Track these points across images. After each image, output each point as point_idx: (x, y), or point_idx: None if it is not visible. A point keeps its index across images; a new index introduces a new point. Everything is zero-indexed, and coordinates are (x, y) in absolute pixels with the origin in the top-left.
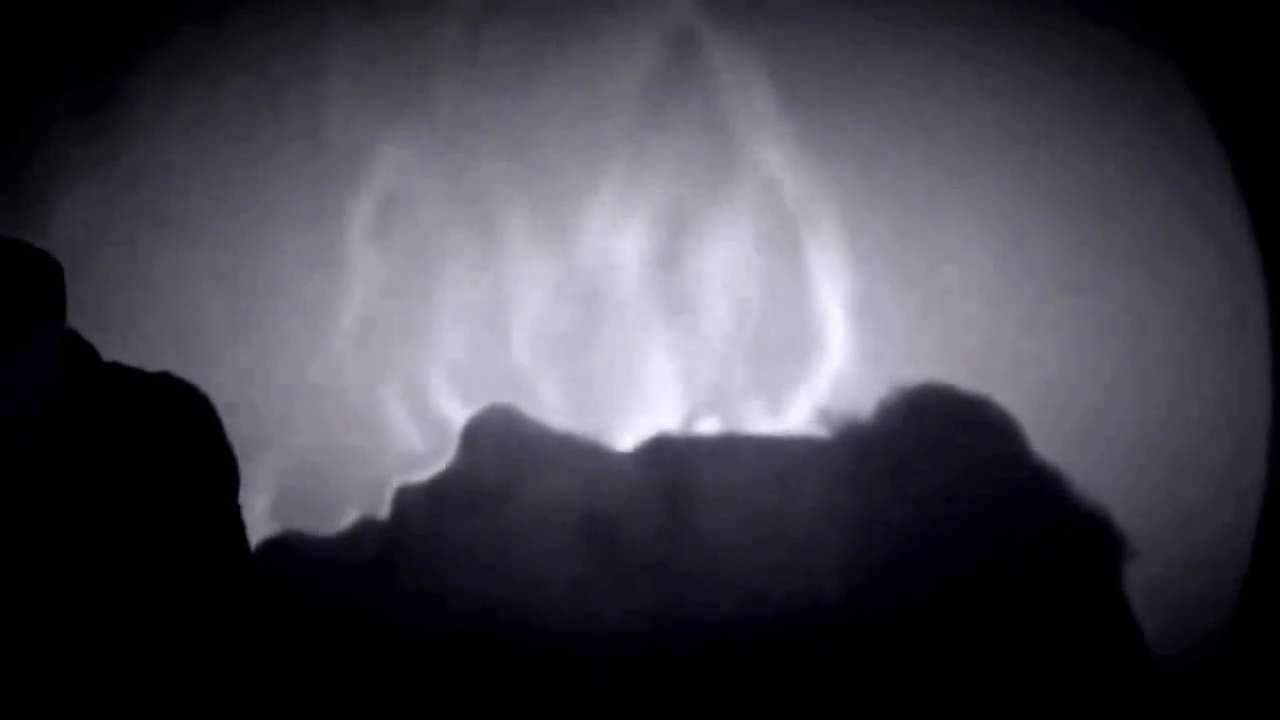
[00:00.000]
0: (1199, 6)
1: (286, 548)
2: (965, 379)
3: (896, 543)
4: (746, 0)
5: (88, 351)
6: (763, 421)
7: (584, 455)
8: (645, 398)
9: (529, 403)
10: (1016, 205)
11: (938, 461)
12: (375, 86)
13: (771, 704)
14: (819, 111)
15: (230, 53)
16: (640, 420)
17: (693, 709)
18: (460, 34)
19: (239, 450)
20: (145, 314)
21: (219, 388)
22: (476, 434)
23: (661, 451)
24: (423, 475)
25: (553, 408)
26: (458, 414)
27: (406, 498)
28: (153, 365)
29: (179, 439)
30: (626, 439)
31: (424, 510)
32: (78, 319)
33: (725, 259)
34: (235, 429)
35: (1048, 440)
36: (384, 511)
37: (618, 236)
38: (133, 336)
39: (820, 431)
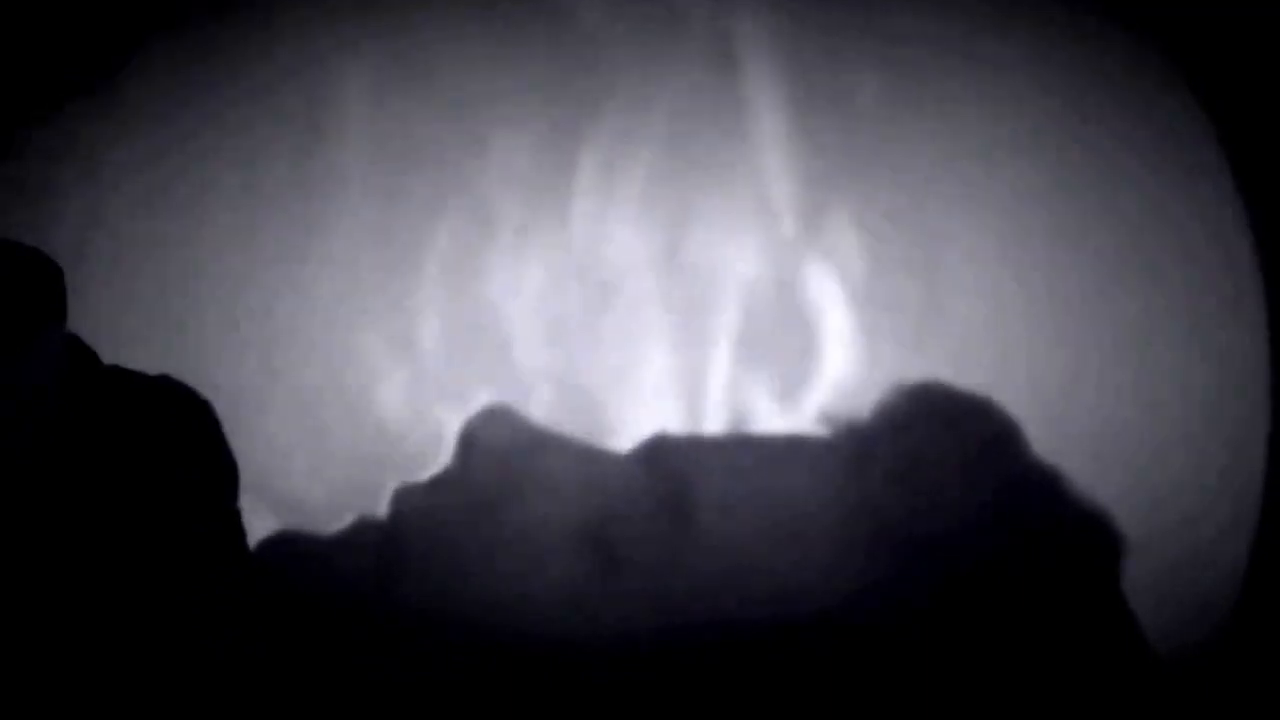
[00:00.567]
0: (1199, 5)
1: (286, 550)
2: (966, 380)
3: (897, 543)
4: None
5: (87, 354)
6: (763, 422)
7: (583, 457)
8: (644, 399)
9: (527, 405)
10: (1017, 204)
11: (938, 461)
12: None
13: (772, 706)
14: (823, 109)
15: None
16: (639, 422)
17: (693, 711)
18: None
19: (237, 451)
20: (145, 312)
21: (219, 386)
22: (475, 436)
23: (661, 453)
24: (422, 477)
25: (551, 410)
26: (456, 416)
27: (406, 501)
28: (153, 367)
29: (179, 442)
30: (625, 441)
31: (423, 513)
32: (76, 319)
33: (727, 259)
34: (235, 428)
35: (1048, 440)
36: (383, 515)
37: (619, 235)
38: (130, 335)
39: (820, 432)
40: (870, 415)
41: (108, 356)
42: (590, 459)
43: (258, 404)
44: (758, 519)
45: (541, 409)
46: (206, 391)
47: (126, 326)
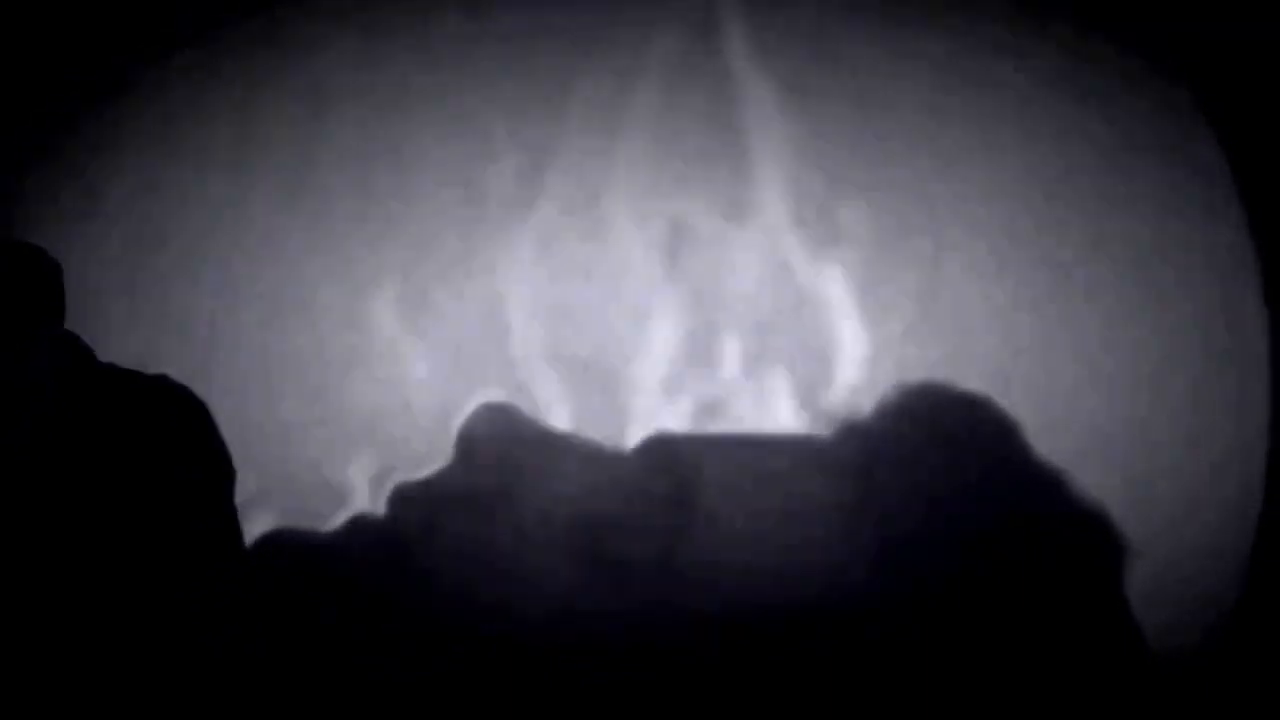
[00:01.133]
0: (1200, 11)
1: (284, 547)
2: (967, 380)
3: (898, 542)
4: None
5: (85, 351)
6: (763, 421)
7: (583, 453)
8: (645, 395)
9: (528, 401)
10: (1019, 204)
11: (939, 462)
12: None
13: (772, 704)
14: (826, 109)
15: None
16: (640, 419)
17: (694, 707)
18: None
19: (234, 449)
20: (145, 312)
21: (217, 384)
22: (475, 433)
23: (662, 451)
24: (421, 473)
25: (552, 405)
26: (456, 412)
27: (404, 497)
28: (153, 365)
29: (176, 440)
30: (626, 439)
31: (422, 510)
32: (73, 316)
33: (729, 258)
34: (232, 426)
35: (1047, 439)
36: (382, 511)
37: (622, 233)
38: (126, 332)
39: (820, 431)
40: (870, 416)
41: (107, 355)
42: (590, 457)
43: (258, 401)
44: (758, 519)
45: (542, 407)
46: (207, 386)
47: (126, 326)
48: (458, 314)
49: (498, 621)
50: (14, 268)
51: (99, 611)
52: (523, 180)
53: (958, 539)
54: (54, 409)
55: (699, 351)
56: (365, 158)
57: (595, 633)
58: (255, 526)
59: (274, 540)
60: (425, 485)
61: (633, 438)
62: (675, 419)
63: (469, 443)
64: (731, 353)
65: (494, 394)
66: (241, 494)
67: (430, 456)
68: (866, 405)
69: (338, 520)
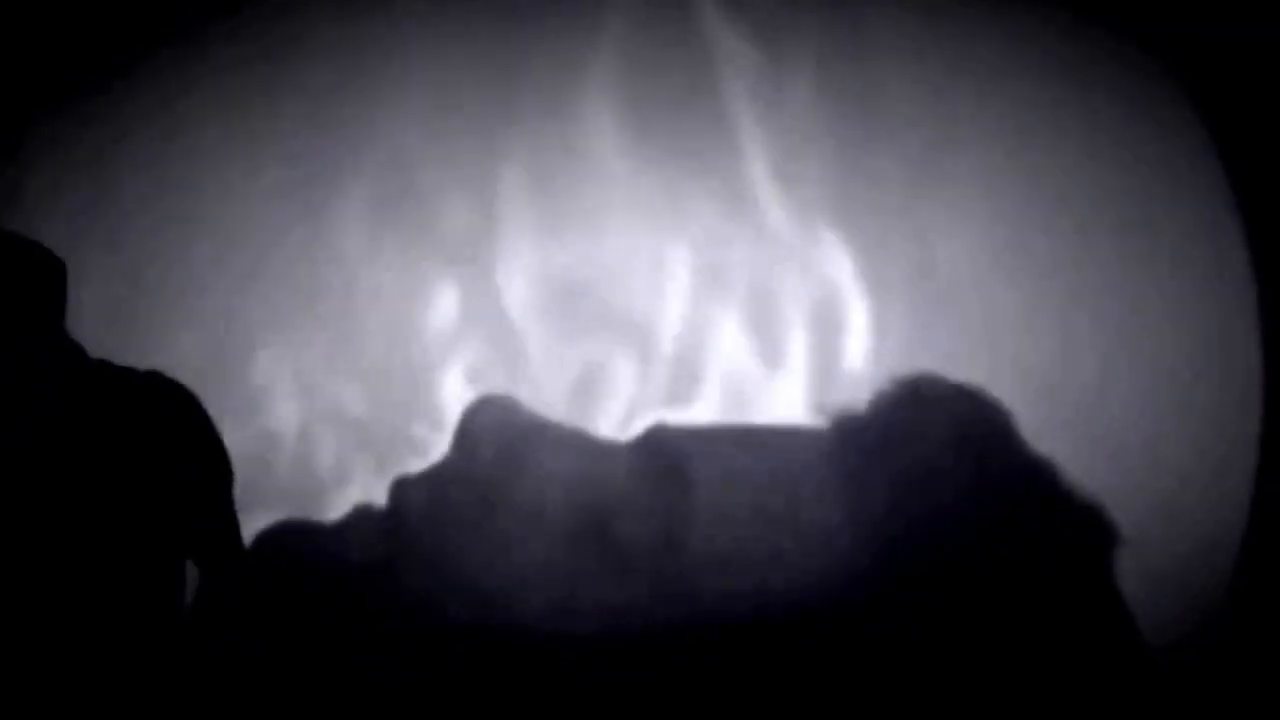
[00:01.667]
0: (1197, 11)
1: (284, 545)
2: (966, 375)
3: (895, 537)
4: None
5: (83, 351)
6: (763, 415)
7: (581, 448)
8: (643, 391)
9: (526, 394)
10: (1018, 203)
11: (936, 455)
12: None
13: (770, 700)
14: (824, 102)
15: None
16: (639, 413)
17: (691, 706)
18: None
19: (239, 446)
20: (145, 310)
21: (218, 379)
22: (473, 427)
23: (660, 445)
24: (420, 468)
25: (550, 398)
26: (454, 406)
27: (402, 493)
28: (152, 363)
29: (175, 439)
30: (623, 432)
31: (421, 506)
32: (73, 317)
33: (726, 251)
34: (231, 425)
35: (1044, 435)
36: (381, 507)
37: (618, 227)
38: (127, 331)
39: (820, 425)
40: (869, 410)
41: (107, 353)
42: (588, 451)
43: (258, 400)
44: (756, 514)
45: (540, 400)
46: (210, 384)
47: (123, 324)
48: (456, 304)
49: (494, 619)
50: (15, 266)
51: (99, 612)
52: (516, 168)
53: (953, 532)
54: (54, 413)
55: (695, 347)
56: (366, 152)
57: (591, 630)
58: (254, 524)
59: (273, 537)
60: (423, 479)
61: (629, 432)
62: (672, 414)
63: (466, 437)
64: (729, 348)
65: (492, 384)
66: (240, 492)
67: (428, 451)
68: (864, 401)
69: (335, 516)
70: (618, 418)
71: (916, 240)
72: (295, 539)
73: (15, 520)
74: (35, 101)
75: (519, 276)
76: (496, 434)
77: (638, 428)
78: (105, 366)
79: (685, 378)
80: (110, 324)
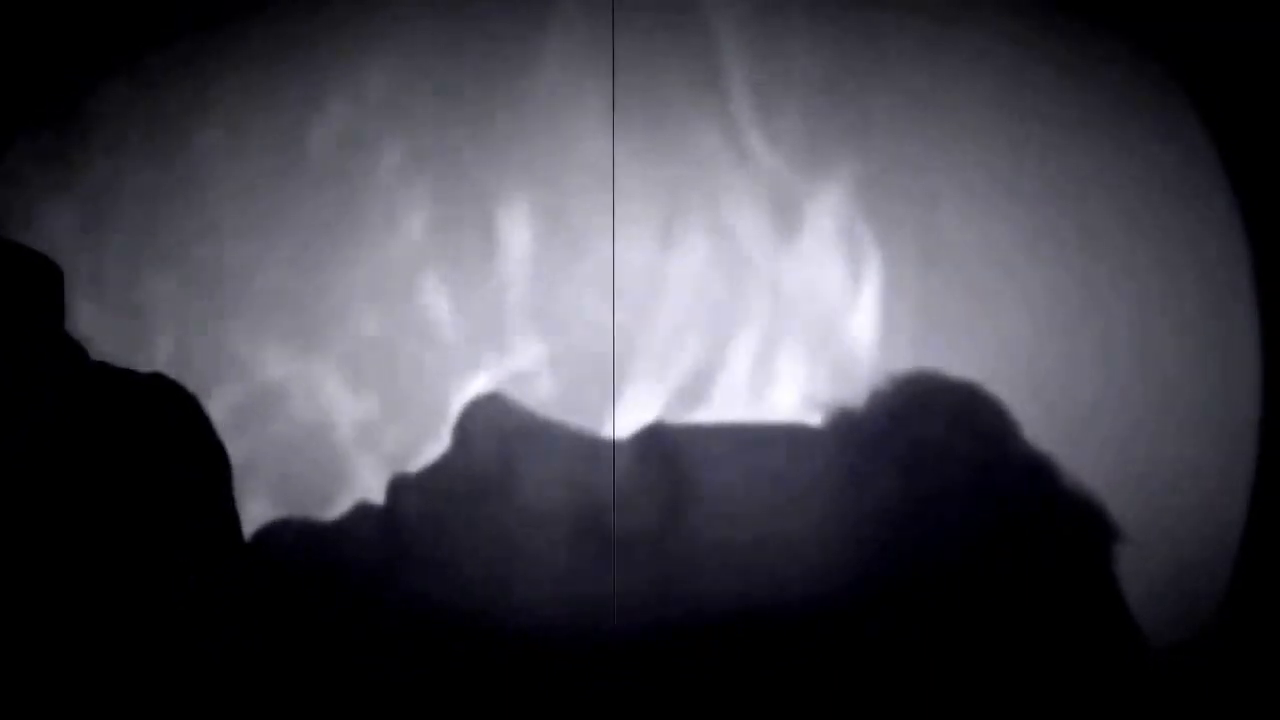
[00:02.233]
0: (1197, 11)
1: (284, 543)
2: (965, 375)
3: (896, 533)
4: None
5: (82, 351)
6: (762, 414)
7: (577, 447)
8: (642, 388)
9: (525, 393)
10: (1017, 202)
11: (936, 452)
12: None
13: (768, 701)
14: (822, 95)
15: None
16: (636, 411)
17: (692, 705)
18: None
19: (239, 445)
20: (147, 312)
21: (217, 384)
22: (472, 426)
23: (658, 444)
24: (419, 467)
25: (549, 397)
26: (454, 406)
27: (402, 493)
28: (154, 362)
29: (173, 439)
30: (620, 431)
31: (421, 506)
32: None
33: (724, 246)
34: (231, 425)
35: (1044, 432)
36: (380, 507)
37: (615, 220)
38: (126, 332)
39: (819, 425)
40: (868, 410)
41: (106, 354)
42: (585, 450)
43: (258, 400)
44: (755, 513)
45: (536, 398)
46: (210, 384)
47: (127, 326)
48: (455, 302)
49: (493, 618)
50: (14, 269)
51: (98, 612)
52: (512, 170)
53: (954, 529)
54: (53, 414)
55: (695, 344)
56: (359, 150)
57: (590, 629)
58: (254, 526)
59: (272, 534)
60: (420, 479)
61: (626, 431)
62: (670, 412)
63: (463, 436)
64: (729, 346)
65: (488, 383)
66: (239, 490)
67: (426, 448)
68: (863, 400)
69: (334, 515)
70: (618, 413)
71: (918, 245)
72: (295, 539)
73: (14, 521)
74: (35, 101)
75: (516, 273)
76: (496, 433)
77: (633, 433)
78: (105, 367)
79: (685, 375)
80: (110, 324)
